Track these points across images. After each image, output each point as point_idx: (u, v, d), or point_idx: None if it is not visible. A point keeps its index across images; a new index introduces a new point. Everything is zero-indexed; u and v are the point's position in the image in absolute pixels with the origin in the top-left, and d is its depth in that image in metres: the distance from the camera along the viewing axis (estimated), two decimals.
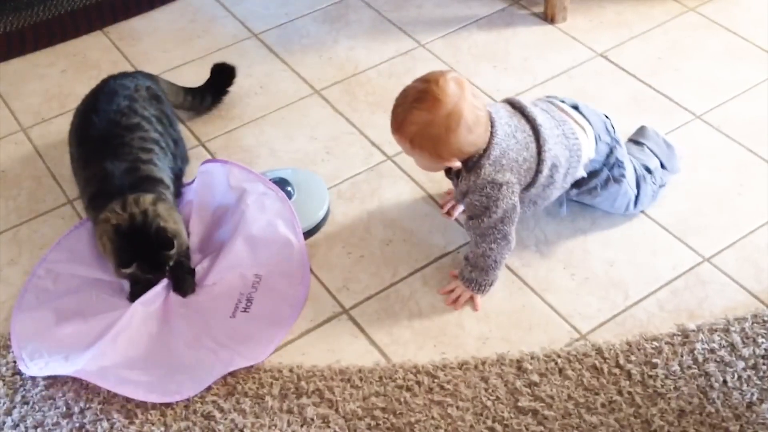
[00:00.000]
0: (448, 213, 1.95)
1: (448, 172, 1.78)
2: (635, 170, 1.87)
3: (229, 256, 1.83)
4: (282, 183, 1.95)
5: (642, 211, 1.92)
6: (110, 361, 1.68)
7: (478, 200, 1.69)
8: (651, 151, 1.95)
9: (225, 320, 1.77)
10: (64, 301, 1.80)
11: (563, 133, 1.75)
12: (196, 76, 2.38)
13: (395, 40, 2.46)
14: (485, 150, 1.66)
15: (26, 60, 2.49)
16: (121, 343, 1.71)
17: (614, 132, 1.83)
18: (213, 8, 2.65)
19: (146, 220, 1.73)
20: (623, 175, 1.82)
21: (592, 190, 1.83)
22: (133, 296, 1.78)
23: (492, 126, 1.66)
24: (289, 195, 1.93)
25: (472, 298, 1.78)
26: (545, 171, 1.71)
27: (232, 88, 2.31)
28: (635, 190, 1.86)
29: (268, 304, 1.79)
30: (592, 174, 1.81)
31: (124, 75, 2.06)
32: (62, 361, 1.69)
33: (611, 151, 1.81)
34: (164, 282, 1.80)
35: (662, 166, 1.94)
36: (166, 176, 1.88)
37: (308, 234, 1.92)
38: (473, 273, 1.76)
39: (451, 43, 2.45)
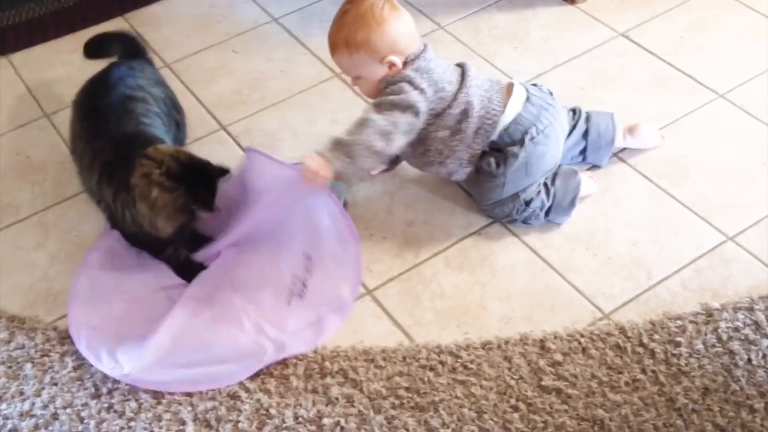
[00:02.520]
0: None
1: None
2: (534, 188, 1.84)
3: (278, 238, 1.80)
4: None
5: (664, 191, 1.92)
6: (161, 355, 1.67)
7: (389, 91, 1.74)
8: (554, 192, 1.86)
9: (280, 306, 1.74)
10: (113, 301, 1.80)
11: (489, 97, 1.79)
12: (216, 61, 2.40)
13: (415, 22, 2.45)
14: (414, 59, 1.75)
15: (48, 47, 2.51)
16: (172, 334, 1.69)
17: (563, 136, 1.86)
18: None
19: (190, 156, 1.70)
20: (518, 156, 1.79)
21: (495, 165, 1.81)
22: (181, 272, 1.80)
23: (424, 48, 1.77)
24: None
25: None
26: (455, 111, 1.76)
27: (252, 72, 2.31)
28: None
29: (323, 287, 1.76)
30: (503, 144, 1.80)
31: (130, 59, 2.06)
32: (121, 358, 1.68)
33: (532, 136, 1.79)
34: (215, 267, 1.80)
35: (547, 212, 1.86)
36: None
37: None
38: (336, 153, 1.69)
39: (471, 24, 2.44)
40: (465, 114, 1.77)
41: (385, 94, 1.75)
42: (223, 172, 1.73)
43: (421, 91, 1.74)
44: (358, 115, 2.12)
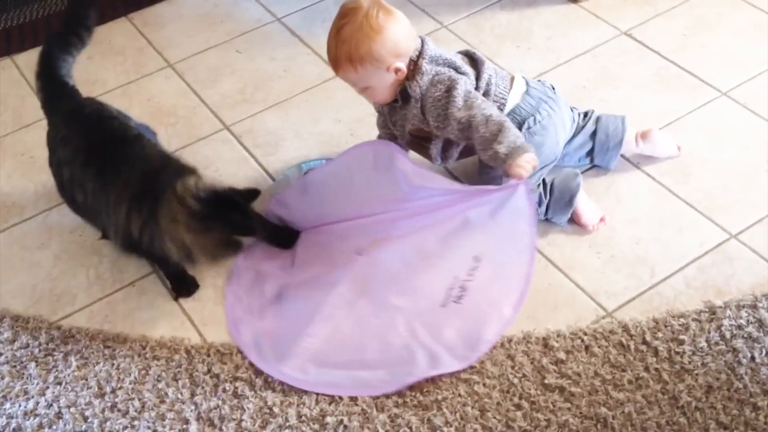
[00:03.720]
0: None
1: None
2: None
3: (450, 236, 1.73)
4: None
5: (667, 189, 1.92)
6: (315, 352, 1.66)
7: (434, 100, 1.71)
8: (551, 188, 1.85)
9: (434, 308, 1.67)
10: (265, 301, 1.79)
11: (496, 82, 1.79)
12: (220, 61, 2.40)
13: (418, 22, 2.45)
14: (419, 53, 1.72)
15: None
16: (327, 330, 1.68)
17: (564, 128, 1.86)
18: None
19: (213, 191, 1.64)
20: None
21: None
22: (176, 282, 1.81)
23: (423, 41, 1.74)
24: None
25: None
26: (481, 89, 1.75)
27: (256, 72, 2.32)
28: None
29: (483, 295, 1.68)
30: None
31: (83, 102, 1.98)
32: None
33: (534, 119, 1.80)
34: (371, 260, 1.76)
35: (546, 210, 1.85)
36: None
37: None
38: (503, 151, 1.65)
39: (474, 23, 2.44)
40: (487, 93, 1.77)
41: (434, 94, 1.71)
42: (251, 194, 1.72)
43: (450, 75, 1.73)
44: (361, 114, 2.13)
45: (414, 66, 1.72)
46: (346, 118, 2.19)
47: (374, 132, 1.99)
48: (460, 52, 1.82)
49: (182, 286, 1.83)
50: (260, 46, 2.44)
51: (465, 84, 1.71)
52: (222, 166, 2.09)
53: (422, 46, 1.73)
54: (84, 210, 1.84)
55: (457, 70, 1.74)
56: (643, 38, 2.33)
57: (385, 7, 1.71)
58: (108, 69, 2.41)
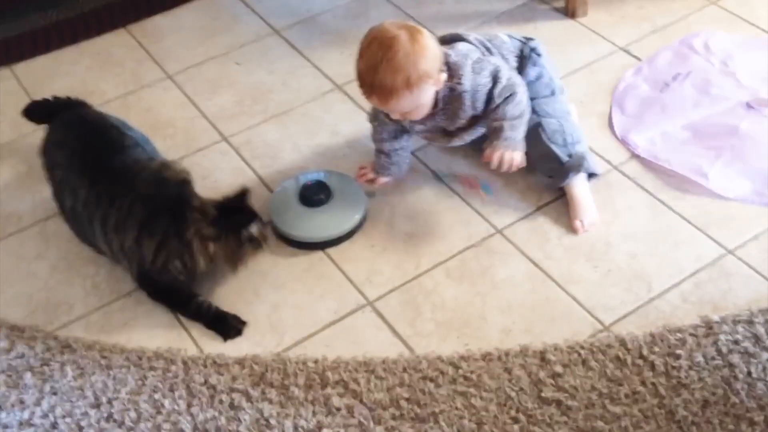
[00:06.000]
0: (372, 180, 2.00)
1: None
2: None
3: None
4: (319, 186, 1.96)
5: (664, 204, 1.93)
6: None
7: (483, 86, 1.80)
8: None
9: None
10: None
11: (488, 38, 1.94)
12: (219, 73, 2.41)
13: None
14: (446, 54, 1.79)
15: (51, 58, 2.52)
16: None
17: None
18: (235, 5, 2.67)
19: (222, 198, 1.76)
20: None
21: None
22: (213, 325, 1.78)
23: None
24: (327, 199, 1.94)
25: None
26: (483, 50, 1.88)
27: (254, 84, 2.33)
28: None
29: None
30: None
31: (75, 107, 2.07)
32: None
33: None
34: None
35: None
36: None
37: (343, 239, 1.92)
38: (508, 134, 1.82)
39: None
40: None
41: (481, 81, 1.80)
42: (244, 195, 1.77)
43: (482, 56, 1.83)
44: (359, 127, 2.15)
45: (447, 68, 1.78)
46: (344, 131, 2.19)
47: (371, 144, 2.00)
48: (442, 38, 1.89)
49: (225, 326, 1.77)
50: (259, 58, 2.44)
51: (504, 66, 1.82)
52: (220, 177, 2.09)
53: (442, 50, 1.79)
54: (71, 215, 1.85)
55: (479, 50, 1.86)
56: (640, 54, 2.34)
57: (412, 27, 1.74)
58: (107, 80, 2.41)
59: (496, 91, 1.80)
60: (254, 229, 1.77)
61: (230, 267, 1.80)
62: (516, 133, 1.82)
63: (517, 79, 1.83)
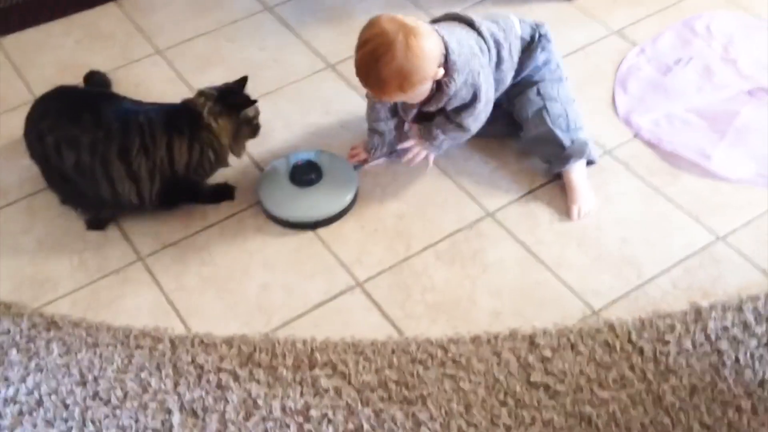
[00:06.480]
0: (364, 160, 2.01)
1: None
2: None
3: None
4: (310, 166, 1.94)
5: (656, 190, 1.92)
6: None
7: (461, 99, 1.81)
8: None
9: None
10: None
11: (489, 17, 1.92)
12: (209, 49, 2.38)
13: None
14: (446, 48, 1.74)
15: (40, 30, 2.48)
16: None
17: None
18: None
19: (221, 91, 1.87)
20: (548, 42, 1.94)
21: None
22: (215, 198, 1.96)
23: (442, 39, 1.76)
24: (318, 179, 1.93)
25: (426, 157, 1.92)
26: (491, 46, 1.84)
27: (245, 61, 2.30)
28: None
29: None
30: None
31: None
32: None
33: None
34: None
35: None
36: None
37: (335, 219, 1.91)
38: (440, 141, 1.88)
39: None
40: (498, 44, 1.86)
41: (463, 95, 1.81)
42: (243, 82, 1.89)
43: (481, 66, 1.81)
44: (351, 107, 2.13)
45: (445, 64, 1.75)
46: (336, 109, 2.17)
47: (363, 124, 1.99)
48: (447, 15, 1.89)
49: (222, 192, 1.96)
50: (250, 35, 2.41)
51: (486, 84, 1.82)
52: None
53: (446, 45, 1.74)
54: (76, 172, 1.82)
55: (477, 51, 1.82)
56: (634, 37, 2.33)
57: (411, 27, 1.70)
58: (96, 54, 2.38)
59: (469, 109, 1.83)
60: (252, 111, 1.88)
61: (235, 149, 1.89)
62: (447, 143, 1.89)
63: (490, 99, 1.85)
